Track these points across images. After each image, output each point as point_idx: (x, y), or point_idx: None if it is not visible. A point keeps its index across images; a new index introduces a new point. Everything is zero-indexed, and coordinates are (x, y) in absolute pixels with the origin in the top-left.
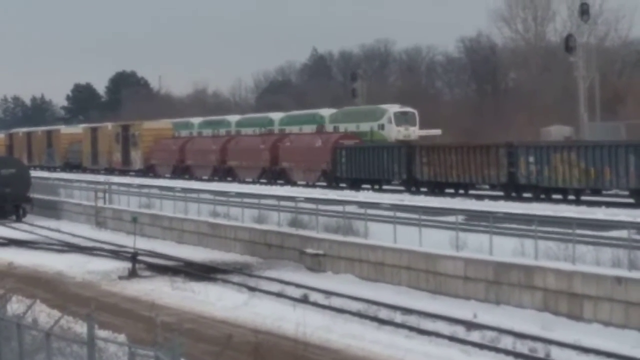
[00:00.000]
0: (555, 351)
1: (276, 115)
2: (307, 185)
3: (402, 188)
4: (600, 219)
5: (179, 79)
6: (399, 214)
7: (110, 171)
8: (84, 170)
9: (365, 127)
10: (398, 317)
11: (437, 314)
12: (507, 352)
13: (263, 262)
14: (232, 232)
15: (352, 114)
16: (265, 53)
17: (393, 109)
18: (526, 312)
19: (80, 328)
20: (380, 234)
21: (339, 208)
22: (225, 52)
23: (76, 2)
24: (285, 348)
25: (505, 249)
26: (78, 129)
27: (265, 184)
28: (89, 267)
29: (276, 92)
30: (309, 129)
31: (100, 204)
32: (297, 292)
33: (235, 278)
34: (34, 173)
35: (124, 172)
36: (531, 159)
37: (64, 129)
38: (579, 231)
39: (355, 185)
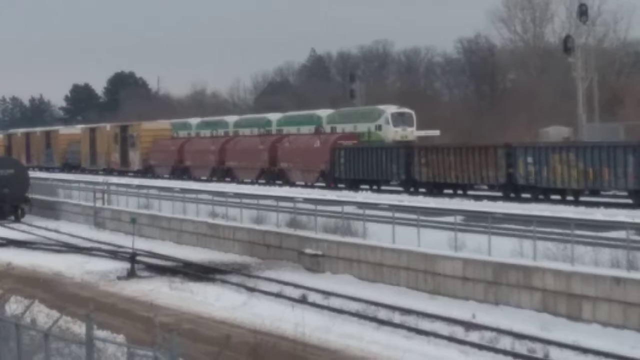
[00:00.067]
0: (554, 352)
1: (274, 116)
2: (305, 186)
3: (400, 189)
4: (598, 219)
5: (178, 80)
6: (397, 215)
7: (108, 172)
8: (83, 170)
9: (362, 127)
10: (397, 318)
11: (436, 315)
12: (505, 353)
13: (262, 263)
14: (230, 233)
15: (350, 114)
16: (264, 54)
17: (390, 109)
18: (525, 313)
19: (78, 328)
20: (379, 235)
21: (338, 208)
22: (223, 53)
23: (75, 2)
24: (284, 348)
25: (504, 249)
26: (77, 129)
27: (264, 184)
28: (88, 267)
29: (275, 93)
30: (306, 129)
31: (99, 204)
32: (295, 293)
33: (234, 278)
34: (32, 173)
35: (122, 173)
36: (530, 159)
37: (63, 130)
38: (577, 232)
39: (353, 185)
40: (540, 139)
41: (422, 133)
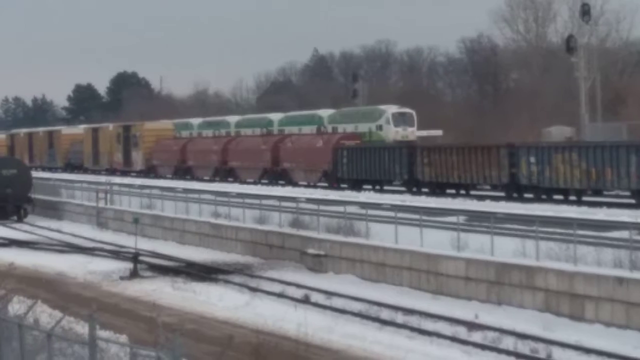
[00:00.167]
0: (556, 352)
1: (275, 116)
2: (308, 186)
3: (403, 189)
4: (601, 219)
5: (180, 80)
6: (400, 215)
7: (111, 172)
8: (85, 170)
9: (363, 127)
10: (399, 318)
11: (439, 315)
12: (508, 353)
13: (264, 263)
14: (233, 233)
15: (351, 114)
16: (267, 54)
17: (391, 109)
18: (527, 313)
19: (81, 328)
20: (382, 235)
21: (340, 208)
22: (226, 53)
23: (77, 2)
24: (287, 348)
25: (507, 249)
26: (79, 129)
27: (267, 184)
28: (90, 267)
29: (277, 92)
30: (308, 129)
31: (101, 204)
32: (298, 293)
33: (237, 278)
34: (35, 173)
35: (125, 173)
36: (532, 159)
37: (65, 130)
38: (580, 232)
39: (356, 185)
40: (542, 138)
41: (425, 133)
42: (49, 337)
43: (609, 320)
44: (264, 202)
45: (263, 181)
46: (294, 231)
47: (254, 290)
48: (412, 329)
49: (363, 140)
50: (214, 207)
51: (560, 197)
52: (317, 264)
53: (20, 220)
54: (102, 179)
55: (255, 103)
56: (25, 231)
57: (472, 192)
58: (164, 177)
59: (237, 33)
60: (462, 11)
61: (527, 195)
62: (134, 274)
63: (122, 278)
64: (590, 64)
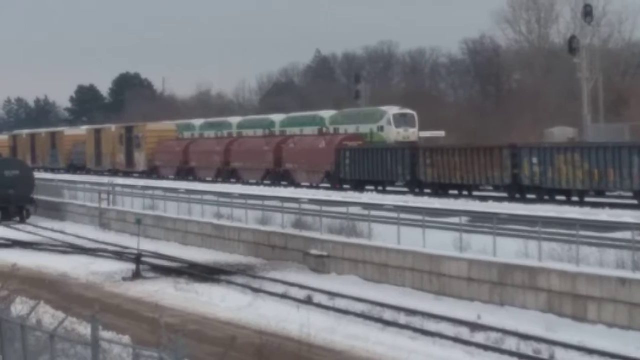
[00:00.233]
0: (559, 352)
1: (277, 117)
2: (310, 187)
3: (405, 189)
4: (604, 220)
5: (183, 81)
6: (402, 215)
7: (113, 172)
8: (88, 171)
9: (364, 128)
10: (402, 318)
11: (441, 315)
12: (511, 353)
13: (267, 263)
14: (235, 234)
15: (352, 115)
16: (269, 54)
17: (392, 110)
18: (530, 313)
19: (84, 329)
20: (384, 235)
21: (343, 209)
22: (228, 54)
23: (79, 3)
24: (289, 349)
25: (509, 250)
26: (81, 130)
27: (269, 185)
28: (93, 268)
29: (279, 93)
30: (309, 130)
31: (104, 205)
32: (301, 293)
33: (239, 279)
34: (37, 174)
35: (127, 174)
36: (535, 160)
37: (68, 131)
38: (582, 232)
39: (358, 186)
40: (545, 139)
41: (427, 134)
42: (52, 337)
43: (611, 321)
44: (267, 202)
45: (265, 182)
46: (296, 232)
47: (256, 290)
48: (415, 330)
49: (364, 141)
50: (217, 207)
51: (563, 197)
52: (319, 264)
53: (22, 221)
54: (105, 179)
55: (258, 104)
56: (28, 232)
57: (475, 193)
58: (167, 178)
59: (238, 34)
60: (464, 12)
61: (529, 196)
62: (136, 275)
63: (124, 279)
64: (593, 64)
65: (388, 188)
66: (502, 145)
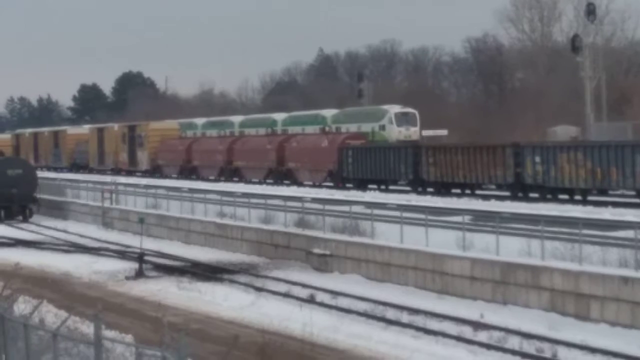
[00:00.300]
0: (562, 351)
1: (279, 116)
2: (313, 186)
3: (408, 188)
4: (606, 219)
5: (186, 80)
6: (405, 214)
7: (116, 171)
8: (91, 170)
9: (366, 127)
10: (405, 317)
11: (444, 314)
12: (514, 352)
13: (270, 263)
14: (238, 233)
15: (354, 114)
16: (272, 53)
17: (394, 109)
18: (533, 312)
19: (87, 328)
20: (387, 234)
21: (346, 208)
22: (231, 53)
23: (81, 3)
24: (292, 348)
25: (512, 249)
26: (84, 129)
27: (272, 184)
28: (96, 267)
29: (282, 92)
30: (311, 129)
31: (107, 204)
32: (303, 293)
33: (242, 278)
34: (40, 173)
35: (130, 173)
36: (538, 159)
37: (71, 130)
38: (585, 231)
39: (361, 185)
40: (548, 138)
41: (430, 132)
42: (55, 337)
43: (614, 320)
44: (270, 202)
45: (268, 181)
46: (299, 231)
47: (259, 290)
48: (418, 329)
49: (367, 140)
50: (220, 207)
51: (566, 196)
52: (322, 263)
53: (25, 220)
54: (108, 178)
55: (261, 103)
56: (31, 231)
57: (478, 192)
58: (170, 177)
59: (240, 33)
60: (467, 11)
61: (532, 195)
62: (139, 274)
63: (127, 278)
64: (596, 63)
65: (391, 187)
66: (505, 144)
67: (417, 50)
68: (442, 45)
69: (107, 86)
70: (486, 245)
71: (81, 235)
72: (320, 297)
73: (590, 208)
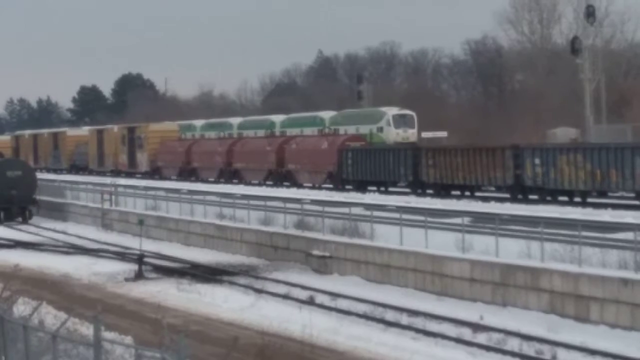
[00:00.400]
0: (561, 353)
1: (277, 118)
2: (313, 187)
3: (408, 190)
4: (606, 221)
5: (185, 81)
6: (405, 216)
7: (116, 173)
8: (90, 172)
9: (364, 129)
10: (404, 319)
11: (444, 316)
12: (513, 354)
13: (269, 264)
14: (238, 234)
15: (352, 116)
16: (271, 55)
17: (392, 111)
18: (532, 314)
19: (86, 330)
20: (387, 236)
21: (345, 210)
22: (231, 54)
23: (81, 4)
24: (292, 350)
25: (512, 250)
26: (84, 131)
27: (271, 186)
28: (95, 269)
29: (282, 94)
30: (309, 131)
31: (106, 206)
32: (303, 294)
33: (242, 280)
34: (40, 175)
35: (130, 174)
36: (537, 161)
37: (70, 131)
38: (585, 233)
39: (361, 187)
40: (547, 140)
41: (430, 134)
42: (54, 338)
43: (614, 322)
44: (269, 203)
45: (268, 183)
46: (299, 232)
47: (259, 291)
48: (417, 331)
49: (367, 142)
50: (219, 208)
51: (565, 198)
52: (322, 265)
53: (25, 221)
54: (107, 180)
55: (260, 105)
56: (30, 232)
57: (477, 194)
58: (169, 179)
59: (240, 34)
60: (466, 13)
61: (531, 197)
62: (139, 276)
63: (127, 279)
64: (595, 65)
65: (390, 189)
66: (505, 146)
67: (417, 52)
68: (442, 47)
69: (106, 88)
70: (486, 247)
71: (80, 237)
72: (320, 298)
73: (589, 210)
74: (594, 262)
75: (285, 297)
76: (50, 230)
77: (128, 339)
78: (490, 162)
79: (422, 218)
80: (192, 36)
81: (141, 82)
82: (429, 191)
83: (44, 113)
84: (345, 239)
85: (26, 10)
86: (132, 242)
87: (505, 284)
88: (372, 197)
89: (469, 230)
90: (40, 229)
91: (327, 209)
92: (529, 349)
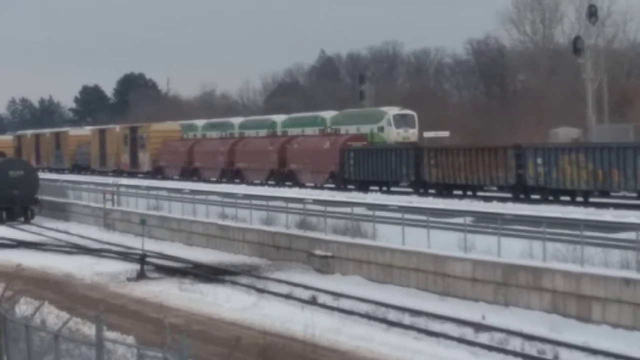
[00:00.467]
0: (563, 353)
1: (278, 118)
2: (315, 187)
3: (410, 190)
4: (608, 220)
5: (187, 81)
6: (407, 216)
7: (118, 173)
8: (92, 172)
9: (365, 129)
10: (406, 319)
11: (446, 316)
12: (515, 354)
13: (271, 264)
14: (240, 234)
15: (353, 116)
16: (274, 55)
17: (392, 111)
18: (535, 314)
19: (88, 329)
20: (389, 236)
21: (347, 210)
22: (233, 54)
23: (84, 4)
24: (294, 350)
25: (514, 250)
26: (86, 130)
27: (274, 185)
28: (98, 268)
29: (284, 94)
30: (310, 131)
31: (108, 205)
32: (305, 294)
33: (244, 280)
34: (42, 175)
35: (132, 174)
36: (539, 160)
37: (72, 131)
38: (587, 233)
39: (363, 187)
40: (549, 140)
41: (432, 134)
42: (56, 338)
43: (616, 322)
44: (271, 203)
45: (270, 182)
46: (301, 232)
47: (261, 291)
48: (420, 330)
49: (369, 142)
50: (221, 208)
51: (567, 198)
52: (324, 265)
53: (27, 221)
54: (109, 180)
55: (263, 104)
56: (33, 232)
57: (479, 194)
58: (171, 179)
59: (242, 34)
60: (469, 12)
61: (534, 197)
62: (141, 276)
63: (129, 279)
64: (597, 65)
65: (392, 189)
66: (507, 145)
67: (419, 51)
68: (444, 47)
69: (108, 87)
70: (488, 247)
71: (83, 237)
72: (322, 298)
73: (591, 210)
74: (596, 262)
75: (288, 297)
76: (53, 230)
77: (130, 339)
78: (492, 162)
79: (424, 218)
80: (194, 36)
81: (143, 82)
82: (431, 191)
83: (46, 113)
84: (347, 239)
85: (28, 10)
86: (134, 242)
87: (507, 283)
88: (374, 197)
89: (471, 230)
90: (43, 228)
91: (329, 208)
92: (531, 348)
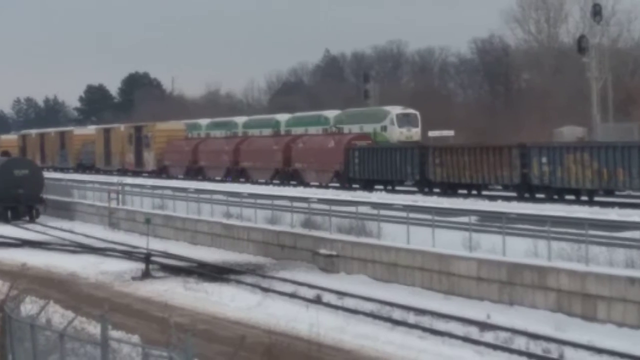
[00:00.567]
0: (568, 352)
1: (282, 117)
2: (320, 186)
3: (415, 189)
4: (613, 219)
5: (192, 80)
6: (412, 215)
7: (123, 172)
8: (97, 171)
9: (368, 128)
10: (411, 318)
11: (451, 315)
12: (520, 353)
13: (276, 263)
14: (245, 233)
15: (356, 115)
16: (278, 54)
17: (395, 110)
18: (539, 313)
19: (93, 329)
20: (394, 235)
21: (352, 209)
22: (238, 53)
23: (89, 3)
24: (299, 349)
25: (518, 249)
26: (91, 130)
27: (278, 184)
28: (103, 267)
29: (289, 93)
30: (314, 130)
31: (113, 205)
32: (310, 293)
33: (249, 279)
34: (47, 174)
35: (137, 173)
36: (544, 159)
37: (77, 130)
38: (592, 232)
39: (368, 186)
40: (554, 139)
41: (437, 133)
42: (61, 337)
43: (621, 321)
44: (276, 202)
45: (275, 181)
46: (305, 231)
47: (266, 290)
48: (424, 329)
49: (373, 141)
50: (226, 207)
51: (572, 197)
52: (329, 264)
53: (32, 220)
54: (114, 179)
55: (267, 104)
56: (38, 231)
57: (484, 193)
58: (176, 178)
59: (243, 34)
60: (473, 12)
61: (538, 196)
62: (146, 275)
63: (134, 278)
64: (602, 64)
65: (397, 188)
66: (512, 144)
67: (423, 51)
68: (448, 46)
69: (113, 87)
70: (493, 246)
71: (87, 236)
72: (327, 297)
73: (596, 209)
74: (601, 261)
75: (292, 296)
76: (57, 229)
77: (135, 338)
78: (497, 161)
79: (429, 217)
80: (195, 36)
81: (148, 81)
82: (436, 190)
83: (51, 112)
84: (352, 238)
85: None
86: (139, 241)
87: (512, 282)
88: (379, 196)
89: (476, 229)
90: (47, 227)
91: (334, 207)
92: (536, 347)
